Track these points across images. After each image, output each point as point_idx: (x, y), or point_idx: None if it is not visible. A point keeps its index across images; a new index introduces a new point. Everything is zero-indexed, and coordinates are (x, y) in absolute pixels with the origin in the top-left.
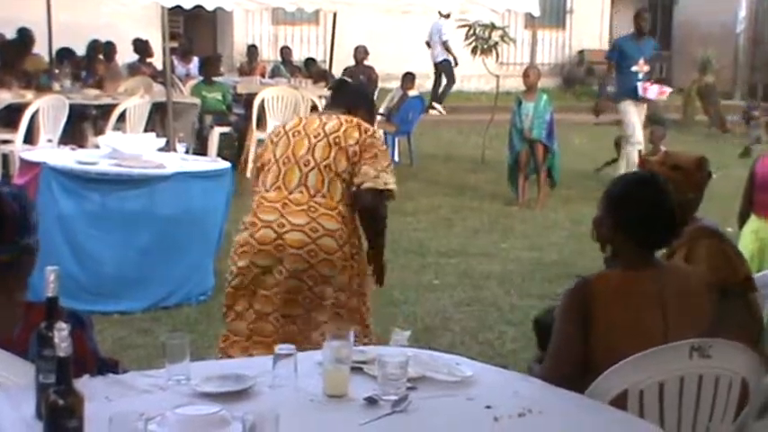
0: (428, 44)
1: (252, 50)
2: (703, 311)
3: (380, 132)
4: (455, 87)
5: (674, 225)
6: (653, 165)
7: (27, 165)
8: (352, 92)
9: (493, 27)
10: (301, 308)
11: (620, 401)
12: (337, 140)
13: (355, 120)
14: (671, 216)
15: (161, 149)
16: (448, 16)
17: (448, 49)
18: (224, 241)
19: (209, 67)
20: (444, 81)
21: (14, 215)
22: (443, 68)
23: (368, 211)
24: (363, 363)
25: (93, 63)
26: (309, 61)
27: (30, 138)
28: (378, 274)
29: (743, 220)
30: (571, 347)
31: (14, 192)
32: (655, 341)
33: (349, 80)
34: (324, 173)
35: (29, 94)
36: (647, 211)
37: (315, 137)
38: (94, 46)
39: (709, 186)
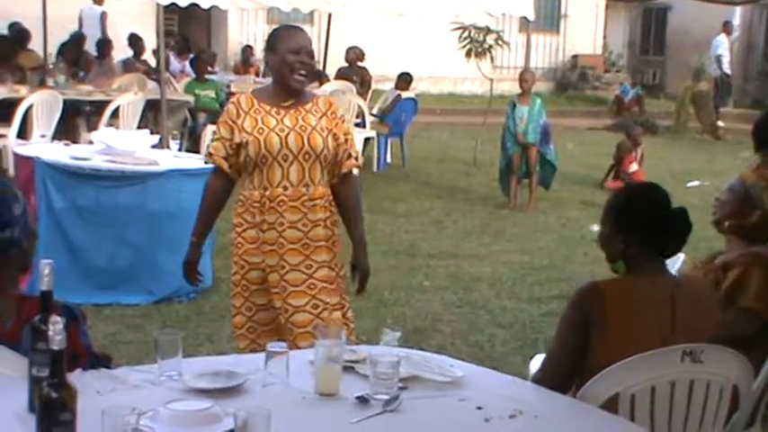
0: (717, 59)
1: (247, 50)
2: (712, 321)
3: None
4: (449, 90)
5: (686, 229)
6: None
7: (24, 159)
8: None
9: (488, 30)
10: None
11: (611, 405)
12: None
13: None
14: (680, 218)
15: (154, 146)
16: (729, 32)
17: (719, 65)
18: (217, 239)
19: (201, 64)
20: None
21: None
22: (722, 83)
23: None
24: (355, 362)
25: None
26: None
27: (23, 133)
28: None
29: None
30: (565, 359)
31: None
32: (660, 345)
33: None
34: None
35: (23, 90)
36: (656, 213)
37: None
38: (77, 36)
39: (702, 195)
